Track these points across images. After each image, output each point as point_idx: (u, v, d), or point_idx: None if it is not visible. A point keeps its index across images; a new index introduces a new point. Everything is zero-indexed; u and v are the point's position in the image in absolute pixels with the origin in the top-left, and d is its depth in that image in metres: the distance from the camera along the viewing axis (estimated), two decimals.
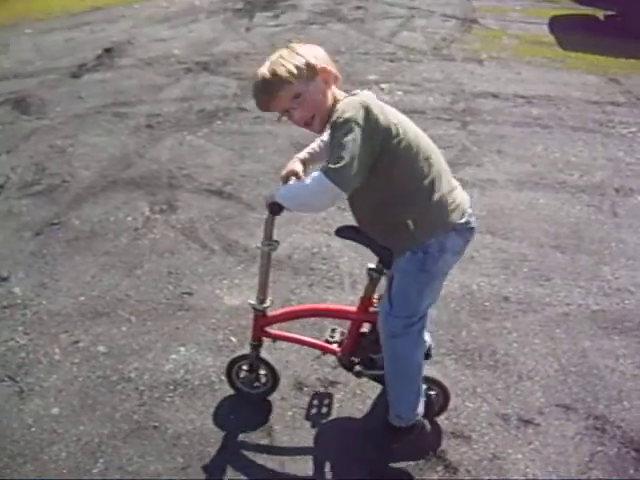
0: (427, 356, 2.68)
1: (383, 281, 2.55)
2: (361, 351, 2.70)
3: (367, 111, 2.15)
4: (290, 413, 2.88)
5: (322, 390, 2.99)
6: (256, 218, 4.22)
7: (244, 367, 2.89)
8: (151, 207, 4.45)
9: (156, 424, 2.83)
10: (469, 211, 2.40)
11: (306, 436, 2.77)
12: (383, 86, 6.54)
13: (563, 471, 2.63)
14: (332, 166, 2.09)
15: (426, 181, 2.29)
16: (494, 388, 3.00)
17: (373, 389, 2.95)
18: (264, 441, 2.75)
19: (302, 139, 5.31)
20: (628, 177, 4.91)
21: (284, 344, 3.13)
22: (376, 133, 2.17)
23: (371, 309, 2.63)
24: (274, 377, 2.88)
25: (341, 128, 2.13)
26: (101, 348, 3.25)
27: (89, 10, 9.89)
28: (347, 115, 2.13)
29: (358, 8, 9.77)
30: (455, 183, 2.43)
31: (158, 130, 5.64)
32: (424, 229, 2.32)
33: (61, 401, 2.95)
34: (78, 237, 4.14)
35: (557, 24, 9.17)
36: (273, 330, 2.81)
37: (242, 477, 2.61)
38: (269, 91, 2.28)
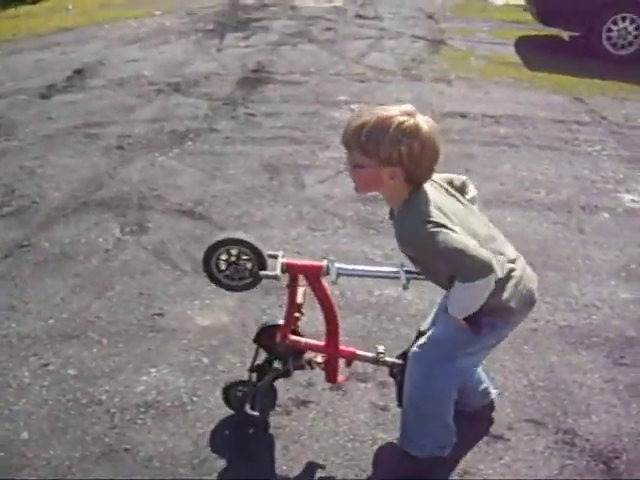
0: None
1: None
2: None
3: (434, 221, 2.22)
4: (263, 434, 2.87)
5: (295, 410, 3.00)
6: None
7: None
8: (122, 228, 4.44)
9: (127, 446, 2.81)
10: (536, 292, 2.49)
11: (280, 456, 2.77)
12: (353, 106, 6.61)
13: None
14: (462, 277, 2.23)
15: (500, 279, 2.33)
16: None
17: (345, 407, 2.97)
18: (237, 463, 2.75)
19: (274, 160, 5.38)
20: (594, 195, 5.01)
21: None
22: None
23: None
24: None
25: (436, 239, 2.19)
26: (71, 371, 3.23)
27: (58, 31, 9.88)
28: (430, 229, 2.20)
29: (328, 29, 9.89)
30: (523, 264, 2.50)
31: (129, 151, 5.64)
32: (492, 316, 2.40)
33: (31, 425, 2.92)
34: (48, 259, 4.12)
35: (523, 45, 9.36)
36: None
37: None
38: (350, 137, 2.27)
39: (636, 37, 8.49)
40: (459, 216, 2.34)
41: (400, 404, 2.68)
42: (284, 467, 2.72)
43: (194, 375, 3.19)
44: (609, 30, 8.53)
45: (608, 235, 4.45)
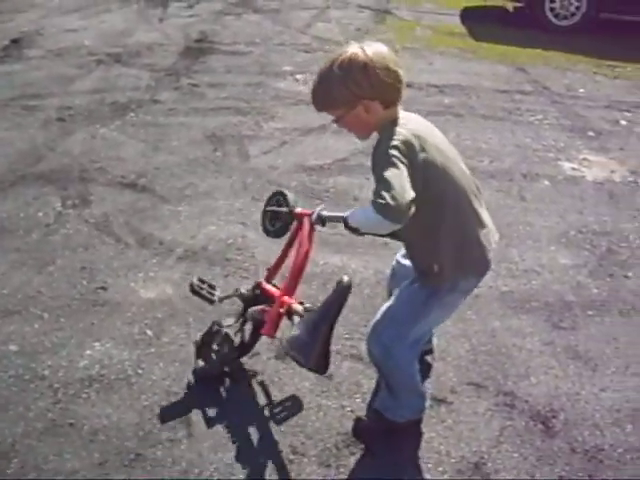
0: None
1: None
2: None
3: (408, 146, 2.20)
4: (208, 403, 2.88)
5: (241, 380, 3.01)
6: (170, 210, 4.20)
7: None
8: (63, 202, 4.35)
9: (72, 421, 2.78)
10: (492, 252, 2.48)
11: (225, 425, 2.78)
12: (298, 77, 6.58)
13: (475, 446, 2.72)
14: (379, 201, 2.07)
15: (456, 226, 2.36)
16: None
17: (290, 375, 2.99)
18: (182, 432, 2.75)
19: (218, 131, 5.33)
20: (535, 163, 5.10)
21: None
22: (415, 171, 2.18)
23: None
24: None
25: (383, 160, 2.16)
26: (13, 347, 3.17)
27: None
28: (390, 149, 2.18)
29: None
30: (486, 221, 2.47)
31: (69, 123, 5.51)
32: (446, 274, 2.40)
33: None
34: None
35: (469, 15, 9.42)
36: None
37: (159, 469, 2.60)
38: (315, 104, 2.39)
39: (578, 8, 8.61)
40: (443, 146, 2.38)
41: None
42: (228, 436, 2.73)
43: (138, 348, 3.17)
44: (552, 1, 8.64)
45: (548, 202, 4.54)
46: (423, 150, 2.25)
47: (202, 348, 2.99)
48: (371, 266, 3.72)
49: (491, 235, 2.48)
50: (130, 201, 4.37)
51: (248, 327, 2.95)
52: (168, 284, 3.60)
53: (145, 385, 2.97)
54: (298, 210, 2.80)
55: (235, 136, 5.29)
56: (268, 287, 2.91)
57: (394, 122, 2.30)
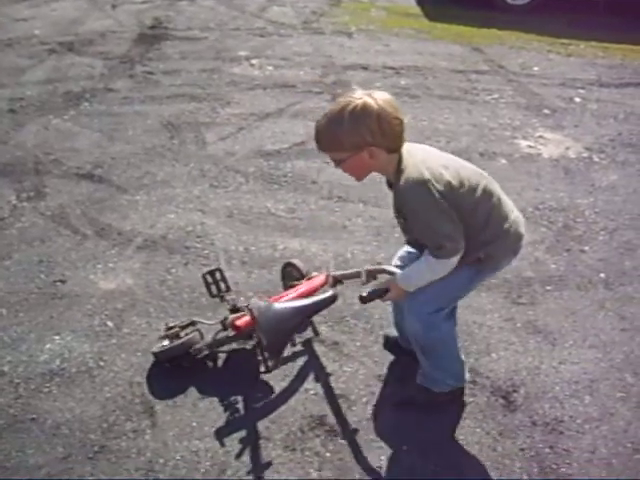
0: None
1: None
2: None
3: (431, 188, 2.35)
4: (172, 392, 2.88)
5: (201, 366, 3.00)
6: (128, 200, 4.15)
7: None
8: (18, 195, 4.28)
9: (34, 416, 2.76)
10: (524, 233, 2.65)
11: (189, 413, 2.78)
12: (254, 62, 6.53)
13: (438, 423, 2.76)
14: (441, 250, 2.39)
15: (491, 217, 2.52)
16: (370, 351, 3.11)
17: (254, 361, 2.99)
18: (146, 422, 2.74)
19: (174, 118, 5.27)
20: (492, 141, 5.15)
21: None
22: (447, 201, 2.37)
23: None
24: None
25: (422, 209, 2.38)
26: None
27: None
28: (423, 196, 2.35)
29: None
30: (512, 206, 2.65)
31: (22, 115, 5.40)
32: (493, 258, 2.58)
33: None
34: None
35: None
36: None
37: (124, 460, 2.59)
38: (319, 144, 2.47)
39: None
40: (452, 165, 2.49)
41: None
42: (193, 424, 2.73)
43: (99, 340, 3.14)
44: None
45: (505, 180, 4.56)
46: (444, 179, 2.39)
47: (170, 330, 3.00)
48: (330, 249, 3.73)
49: (519, 220, 2.64)
50: (87, 192, 4.31)
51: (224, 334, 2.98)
52: (128, 274, 3.57)
53: (107, 377, 2.95)
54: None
55: (191, 123, 5.24)
56: None
57: (401, 164, 2.42)
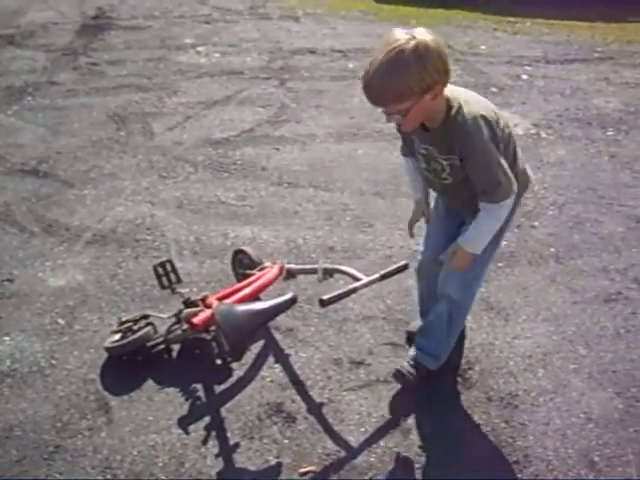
0: None
1: None
2: None
3: (492, 124, 2.34)
4: (126, 387, 2.84)
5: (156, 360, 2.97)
6: (75, 195, 4.09)
7: None
8: None
9: None
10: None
11: (145, 408, 2.75)
12: (200, 49, 6.47)
13: (395, 404, 2.76)
14: (500, 190, 2.36)
15: (517, 155, 2.54)
16: (325, 335, 3.10)
17: (209, 351, 2.97)
18: (102, 419, 2.70)
19: (120, 110, 5.19)
20: None
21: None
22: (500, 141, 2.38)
23: None
24: None
25: (477, 152, 2.33)
26: None
27: None
28: (478, 137, 2.30)
29: None
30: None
31: None
32: (518, 201, 2.58)
33: None
34: None
35: None
36: None
37: (80, 459, 2.55)
38: (378, 99, 2.27)
39: None
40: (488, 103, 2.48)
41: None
42: (149, 419, 2.70)
43: (50, 338, 3.08)
44: None
45: None
46: (496, 116, 2.39)
47: (123, 324, 2.97)
48: (282, 235, 3.72)
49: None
50: (32, 188, 4.23)
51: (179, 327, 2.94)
52: (78, 270, 3.51)
53: (60, 375, 2.90)
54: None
55: (138, 114, 5.17)
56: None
57: (450, 102, 2.33)
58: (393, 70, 2.17)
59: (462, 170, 2.43)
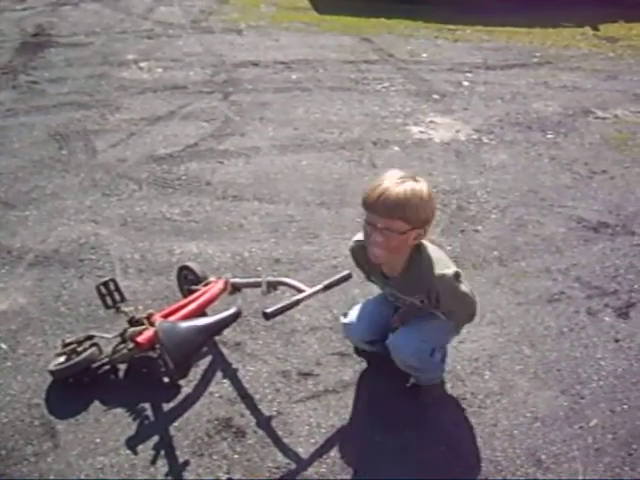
0: None
1: None
2: None
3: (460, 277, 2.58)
4: (72, 410, 2.79)
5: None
6: (16, 216, 4.01)
7: None
8: None
9: None
10: None
11: (91, 430, 2.71)
12: (142, 65, 6.42)
13: (344, 414, 2.77)
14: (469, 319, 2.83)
15: None
16: (273, 348, 3.10)
17: (155, 369, 2.94)
18: (48, 444, 2.65)
19: (62, 128, 5.13)
20: (384, 130, 5.23)
21: None
22: None
23: None
24: None
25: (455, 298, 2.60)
26: None
27: None
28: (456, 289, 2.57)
29: None
30: None
31: None
32: None
33: None
34: None
35: None
36: None
37: None
38: (398, 207, 2.39)
39: None
40: None
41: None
42: (97, 440, 2.66)
43: None
44: None
45: (399, 167, 4.59)
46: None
47: (67, 346, 2.92)
48: (228, 250, 3.71)
49: None
50: None
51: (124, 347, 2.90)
52: (20, 293, 3.45)
53: (3, 402, 2.83)
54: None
55: (80, 132, 5.11)
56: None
57: (421, 252, 2.57)
58: (414, 193, 2.40)
59: (431, 302, 2.63)
